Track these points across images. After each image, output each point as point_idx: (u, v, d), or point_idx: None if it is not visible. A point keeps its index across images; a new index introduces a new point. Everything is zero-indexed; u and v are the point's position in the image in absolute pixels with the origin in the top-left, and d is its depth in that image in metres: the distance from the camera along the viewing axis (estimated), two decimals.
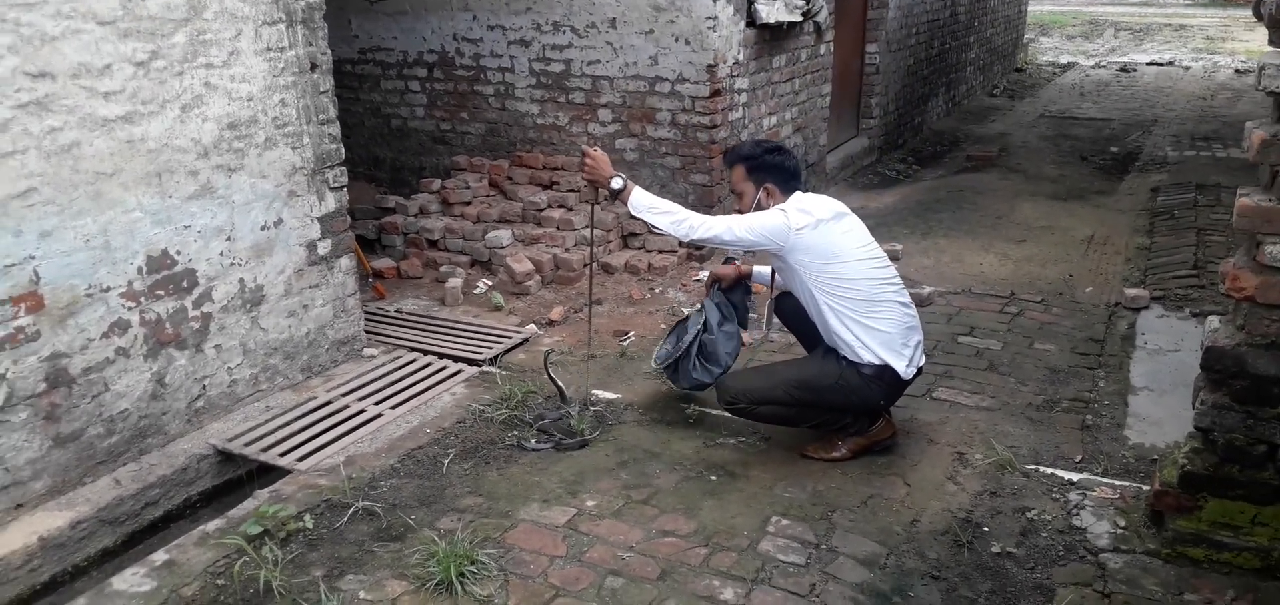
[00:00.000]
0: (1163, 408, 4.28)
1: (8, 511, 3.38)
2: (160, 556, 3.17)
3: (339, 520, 3.41)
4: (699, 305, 4.30)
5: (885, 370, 3.66)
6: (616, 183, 3.72)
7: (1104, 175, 9.21)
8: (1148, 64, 17.71)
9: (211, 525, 3.35)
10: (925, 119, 11.54)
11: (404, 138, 7.80)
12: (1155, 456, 3.83)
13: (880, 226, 7.34)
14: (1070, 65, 17.85)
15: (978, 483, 3.68)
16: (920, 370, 3.82)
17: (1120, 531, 3.33)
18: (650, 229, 3.72)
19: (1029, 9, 18.20)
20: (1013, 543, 3.30)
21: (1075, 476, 3.70)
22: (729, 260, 4.34)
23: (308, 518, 3.38)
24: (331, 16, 7.54)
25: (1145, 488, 3.57)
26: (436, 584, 3.00)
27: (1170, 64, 17.63)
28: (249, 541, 3.20)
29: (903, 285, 3.80)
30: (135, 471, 3.72)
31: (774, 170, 3.77)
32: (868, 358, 3.64)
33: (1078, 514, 3.45)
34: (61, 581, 3.35)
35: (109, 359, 3.68)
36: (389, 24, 7.49)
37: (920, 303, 5.48)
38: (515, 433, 4.07)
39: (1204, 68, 17.01)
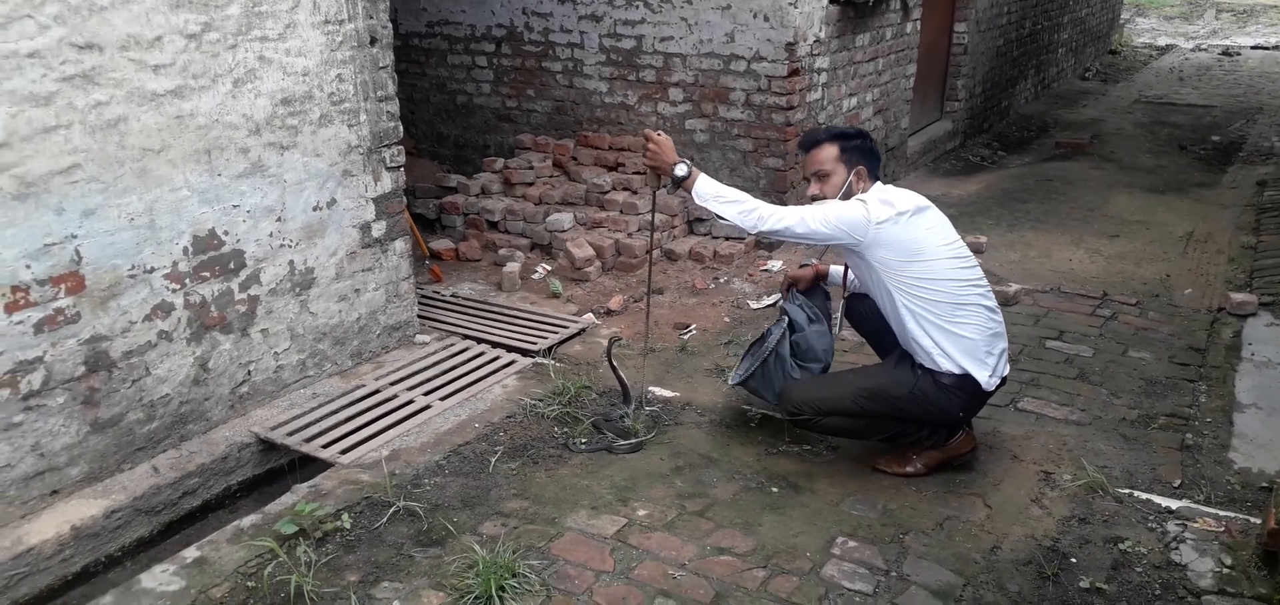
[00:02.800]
0: (1273, 428, 3.91)
1: (42, 498, 3.29)
2: (191, 553, 3.04)
3: (378, 520, 3.25)
4: (778, 318, 3.99)
5: (966, 380, 3.36)
6: (680, 169, 3.46)
7: (1204, 167, 8.67)
8: (1252, 48, 16.81)
9: (247, 521, 3.22)
10: (1012, 102, 11.03)
11: (469, 115, 7.65)
12: (1264, 483, 3.49)
13: (963, 216, 6.99)
14: (1168, 48, 17.02)
15: (1065, 507, 3.37)
16: (1004, 380, 3.51)
17: (1226, 571, 3.01)
18: (716, 219, 3.47)
19: None
20: (1103, 578, 2.99)
21: (1174, 504, 3.37)
22: (805, 264, 4.06)
23: (346, 517, 3.23)
24: None
25: (1254, 520, 3.24)
26: (475, 598, 2.82)
27: (1276, 48, 16.70)
28: (283, 541, 3.06)
29: (989, 287, 3.49)
30: (174, 459, 3.61)
31: (866, 155, 3.50)
32: (947, 366, 3.35)
33: (1177, 548, 3.13)
34: (94, 572, 3.26)
35: (151, 342, 3.57)
36: None
37: (1006, 302, 5.15)
38: (566, 430, 3.87)
39: None
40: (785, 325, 3.78)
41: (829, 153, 3.51)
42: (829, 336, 3.83)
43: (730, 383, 4.01)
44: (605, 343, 3.99)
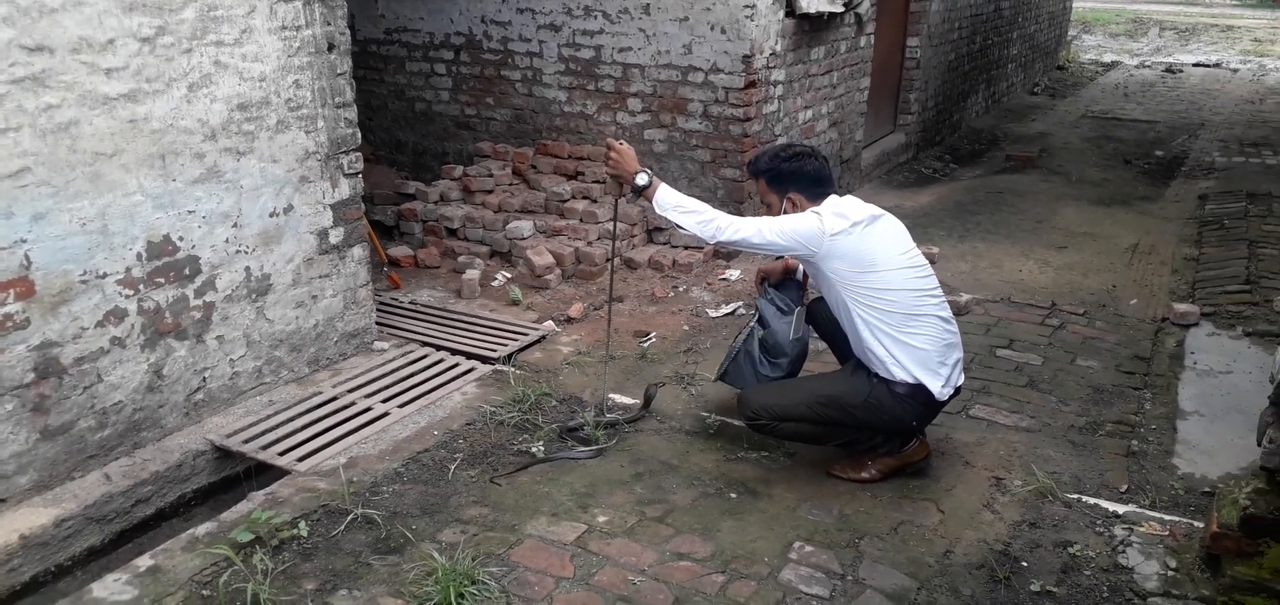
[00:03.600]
0: (1214, 435, 4.02)
1: None
2: (145, 561, 3.00)
3: (336, 528, 3.23)
4: (755, 315, 4.07)
5: (919, 389, 3.42)
6: (641, 179, 3.50)
7: (1148, 180, 8.89)
8: (1194, 65, 17.25)
9: (201, 529, 3.19)
10: (964, 116, 11.22)
11: (428, 122, 7.62)
12: (1207, 488, 3.59)
13: (916, 228, 6.99)
14: (1114, 64, 17.41)
15: (1016, 511, 3.44)
16: (958, 390, 3.58)
17: (1171, 574, 3.09)
18: (676, 228, 3.51)
19: (1073, 5, 17.74)
20: (1053, 581, 3.06)
21: (1120, 508, 3.46)
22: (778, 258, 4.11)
23: (303, 525, 3.20)
24: None
25: (1197, 524, 3.34)
26: None
27: (1217, 66, 17.17)
28: (239, 549, 3.03)
29: (944, 298, 3.56)
30: (127, 467, 3.56)
31: (795, 177, 3.53)
32: (901, 375, 3.41)
33: (1124, 551, 3.22)
34: (43, 582, 3.20)
35: (103, 349, 3.52)
36: (416, 4, 7.30)
37: (958, 311, 5.22)
38: (526, 437, 3.87)
39: (1253, 71, 16.54)
40: (756, 320, 3.85)
41: (762, 187, 3.62)
42: (802, 328, 3.90)
43: (714, 378, 4.14)
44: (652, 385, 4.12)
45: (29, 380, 3.31)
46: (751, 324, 3.94)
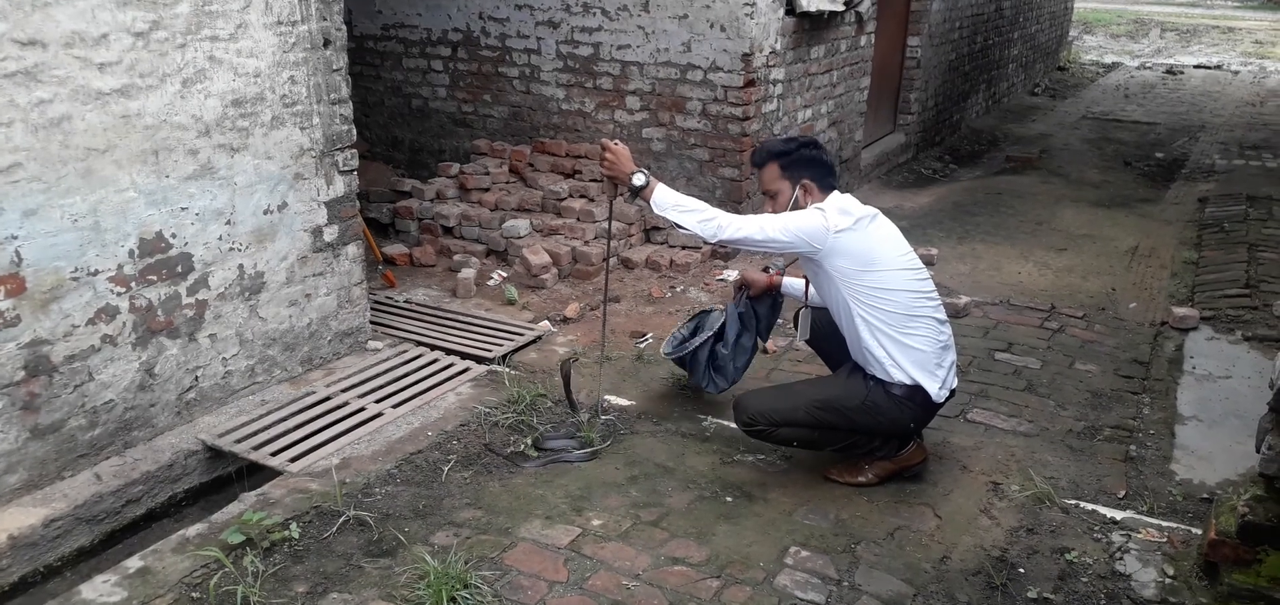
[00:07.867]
0: (1213, 440, 4.00)
1: None
2: (135, 563, 2.97)
3: (328, 530, 3.20)
4: (722, 310, 4.11)
5: (917, 391, 3.40)
6: (638, 179, 3.46)
7: (1149, 182, 8.87)
8: (1195, 66, 17.24)
9: (192, 530, 3.16)
10: (964, 116, 11.20)
11: (424, 119, 7.59)
12: (1205, 494, 3.57)
13: (915, 229, 7.07)
14: (1115, 65, 17.39)
15: (1013, 517, 3.42)
16: (953, 392, 3.56)
17: (1168, 581, 3.07)
18: (675, 228, 3.47)
19: (1074, 6, 17.71)
20: (1050, 588, 3.04)
21: (1118, 515, 3.43)
22: (766, 268, 4.10)
23: (294, 527, 3.18)
24: None
25: (1195, 531, 3.31)
26: None
27: (1218, 68, 17.16)
28: (230, 551, 3.01)
29: (940, 300, 3.54)
30: (118, 466, 3.53)
31: (810, 165, 3.50)
32: (898, 377, 3.39)
33: (1121, 558, 3.19)
34: (32, 582, 3.17)
35: (94, 347, 3.48)
36: (414, 0, 7.27)
37: (956, 314, 5.22)
38: (519, 437, 3.85)
39: (1253, 73, 16.53)
40: (718, 328, 4.01)
41: (771, 172, 3.54)
42: (748, 355, 4.08)
43: (662, 351, 4.29)
44: (562, 358, 4.01)
45: (19, 378, 3.28)
46: (711, 322, 4.11)
